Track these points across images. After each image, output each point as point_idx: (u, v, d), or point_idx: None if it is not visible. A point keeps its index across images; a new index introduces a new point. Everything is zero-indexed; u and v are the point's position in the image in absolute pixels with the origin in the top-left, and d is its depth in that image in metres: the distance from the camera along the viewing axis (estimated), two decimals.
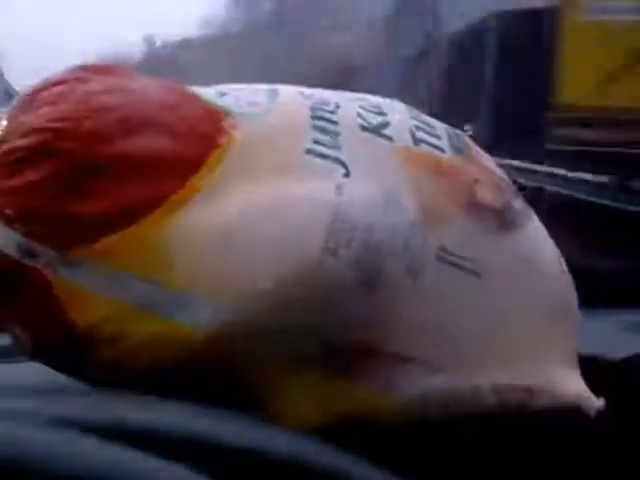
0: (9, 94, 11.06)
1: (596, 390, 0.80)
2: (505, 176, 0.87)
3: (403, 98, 0.94)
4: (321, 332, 0.73)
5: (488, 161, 0.87)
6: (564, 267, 0.85)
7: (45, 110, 0.78)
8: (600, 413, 0.79)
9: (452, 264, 0.76)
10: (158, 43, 61.47)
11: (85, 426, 0.59)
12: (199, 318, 0.72)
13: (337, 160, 0.78)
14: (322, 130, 0.80)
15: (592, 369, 0.82)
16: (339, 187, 0.75)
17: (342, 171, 0.77)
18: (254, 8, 42.08)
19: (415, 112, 0.88)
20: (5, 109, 0.82)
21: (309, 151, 0.78)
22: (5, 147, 0.77)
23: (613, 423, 0.83)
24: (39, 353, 0.81)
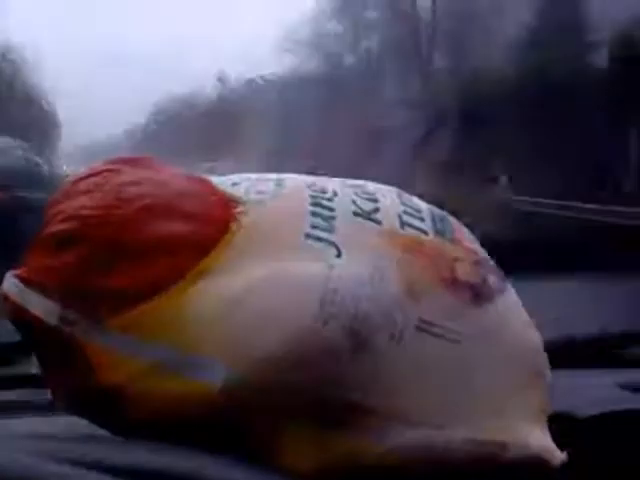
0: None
1: (564, 445, 0.88)
2: (484, 254, 0.97)
3: None
4: (315, 390, 0.84)
5: (469, 240, 0.98)
6: (535, 333, 0.94)
7: (81, 199, 0.90)
8: (564, 466, 0.87)
9: (430, 333, 0.86)
10: (232, 81, 59.67)
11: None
12: (214, 377, 0.83)
13: (331, 242, 0.89)
14: (319, 216, 0.91)
15: (561, 425, 0.91)
16: (331, 266, 0.86)
17: (334, 252, 0.88)
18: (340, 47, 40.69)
19: (406, 197, 1.00)
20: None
21: (308, 235, 0.89)
22: (47, 231, 0.90)
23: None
24: (74, 407, 0.92)
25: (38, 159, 11.64)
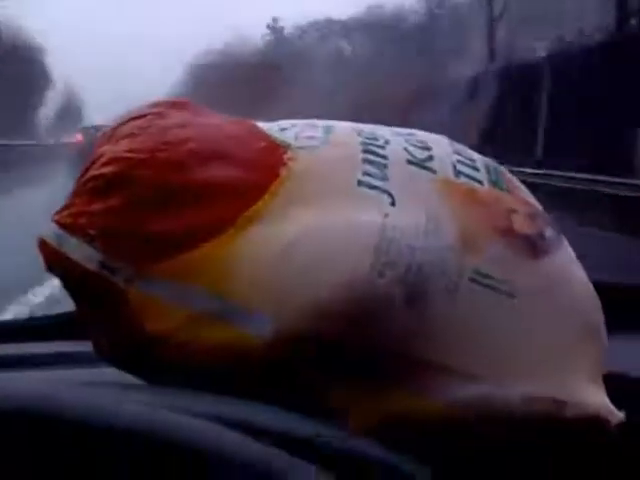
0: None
1: (619, 405, 0.86)
2: (539, 206, 0.94)
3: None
4: (368, 343, 0.81)
5: (524, 192, 0.95)
6: (592, 290, 0.91)
7: (125, 142, 0.88)
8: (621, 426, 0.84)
9: (485, 285, 0.84)
10: (286, 28, 57.30)
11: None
12: (260, 328, 0.80)
13: (384, 190, 0.86)
14: (372, 163, 0.88)
15: (616, 385, 0.88)
16: (386, 215, 0.84)
17: (389, 200, 0.85)
18: None
19: (458, 146, 0.97)
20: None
21: (360, 182, 0.86)
22: (88, 174, 0.87)
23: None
24: (114, 358, 0.90)
25: None
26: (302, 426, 0.71)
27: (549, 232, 0.90)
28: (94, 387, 0.80)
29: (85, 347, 0.97)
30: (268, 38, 55.48)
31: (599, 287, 0.93)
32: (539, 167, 16.30)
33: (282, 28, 54.85)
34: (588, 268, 0.93)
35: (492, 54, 23.22)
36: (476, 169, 0.92)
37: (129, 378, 0.90)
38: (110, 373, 0.93)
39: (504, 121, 19.10)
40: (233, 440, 0.63)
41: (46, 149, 44.25)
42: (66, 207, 0.87)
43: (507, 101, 19.44)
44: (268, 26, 55.17)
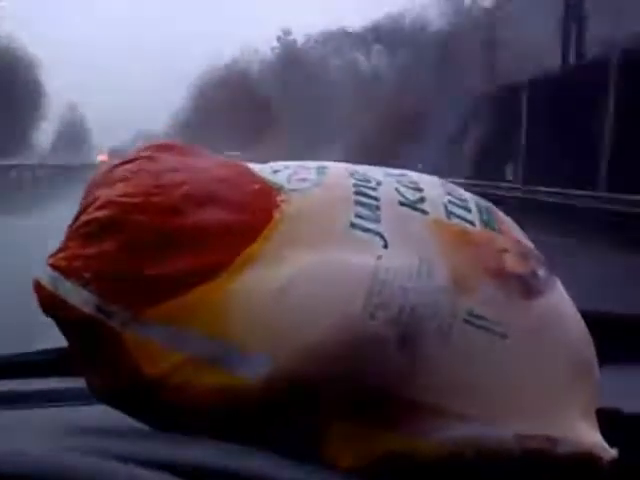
0: None
1: (612, 441, 0.86)
2: (532, 246, 0.95)
3: None
4: (361, 383, 0.82)
5: (516, 232, 0.96)
6: (584, 327, 0.92)
7: (119, 186, 0.88)
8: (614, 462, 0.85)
9: (478, 327, 0.84)
10: (298, 40, 54.40)
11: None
12: (256, 370, 0.81)
13: (377, 233, 0.87)
14: (364, 205, 0.89)
15: (609, 421, 0.88)
16: (379, 257, 0.84)
17: (381, 243, 0.86)
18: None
19: (450, 187, 0.97)
20: None
21: (353, 225, 0.87)
22: (82, 219, 0.88)
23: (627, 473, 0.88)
24: (109, 398, 0.90)
25: None
26: (291, 470, 0.72)
27: (541, 271, 0.90)
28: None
29: (76, 384, 0.98)
30: (278, 51, 53.25)
31: (591, 318, 0.94)
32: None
33: (294, 41, 52.85)
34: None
35: (566, 52, 21.18)
36: (468, 210, 0.93)
37: (120, 417, 0.91)
38: (100, 411, 0.94)
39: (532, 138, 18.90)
40: None
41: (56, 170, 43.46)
42: (60, 250, 0.88)
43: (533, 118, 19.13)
44: (278, 38, 52.93)
